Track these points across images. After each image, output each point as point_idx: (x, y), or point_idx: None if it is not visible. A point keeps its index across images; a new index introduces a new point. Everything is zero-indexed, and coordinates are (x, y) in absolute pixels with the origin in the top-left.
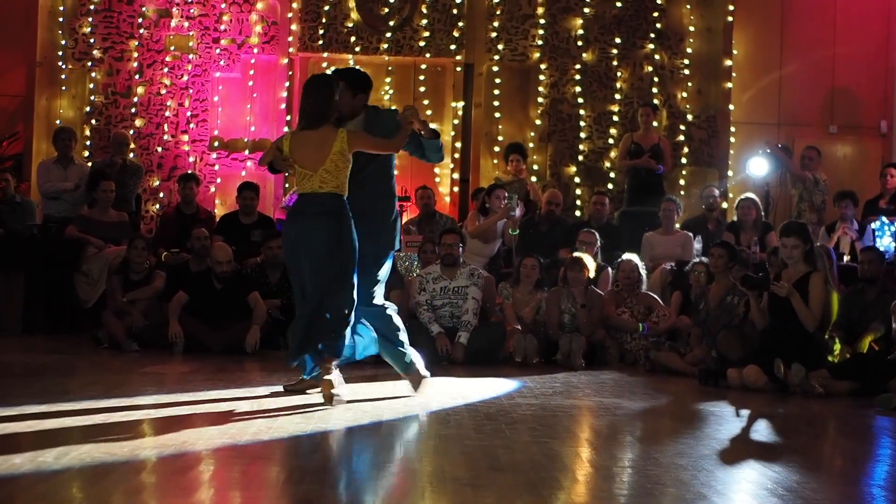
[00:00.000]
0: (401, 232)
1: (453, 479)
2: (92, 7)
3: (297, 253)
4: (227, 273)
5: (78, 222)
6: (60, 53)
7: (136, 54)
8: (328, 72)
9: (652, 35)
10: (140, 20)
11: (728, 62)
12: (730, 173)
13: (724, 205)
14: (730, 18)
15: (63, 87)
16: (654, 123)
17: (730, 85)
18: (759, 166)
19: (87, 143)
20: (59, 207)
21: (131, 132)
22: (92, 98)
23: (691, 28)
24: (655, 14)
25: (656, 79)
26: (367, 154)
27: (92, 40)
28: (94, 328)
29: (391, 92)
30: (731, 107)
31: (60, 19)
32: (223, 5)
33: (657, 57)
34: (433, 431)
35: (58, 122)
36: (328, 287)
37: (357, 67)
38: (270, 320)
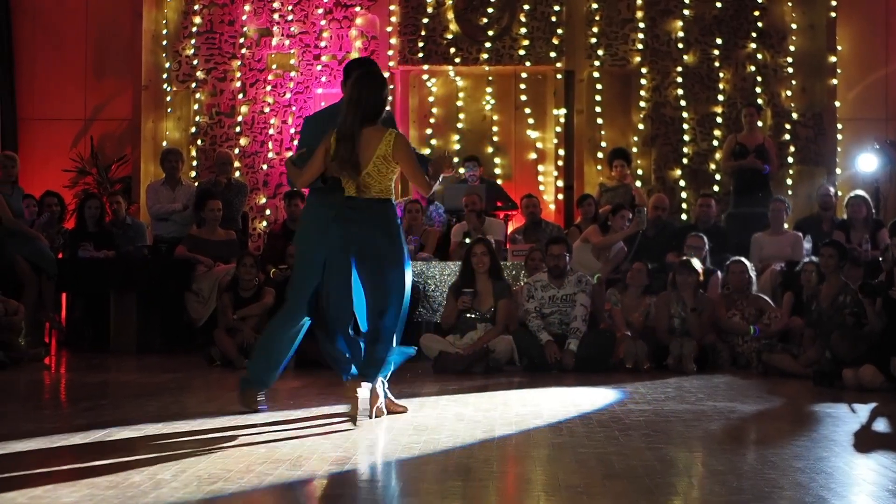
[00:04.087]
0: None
1: (568, 487)
2: (194, 29)
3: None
4: None
5: (187, 242)
6: (165, 76)
7: (238, 74)
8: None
9: (753, 34)
10: (242, 40)
11: (832, 58)
12: (838, 171)
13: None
14: (833, 14)
15: (168, 109)
16: (759, 123)
17: (835, 81)
18: (868, 163)
19: (194, 163)
20: (169, 228)
21: (236, 151)
22: (197, 119)
23: (793, 25)
24: (756, 13)
25: (759, 78)
26: None
27: (195, 62)
28: (207, 346)
29: (493, 102)
30: (837, 103)
31: (164, 42)
32: (323, 22)
33: (759, 56)
34: (546, 440)
35: (164, 143)
36: None
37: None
38: None
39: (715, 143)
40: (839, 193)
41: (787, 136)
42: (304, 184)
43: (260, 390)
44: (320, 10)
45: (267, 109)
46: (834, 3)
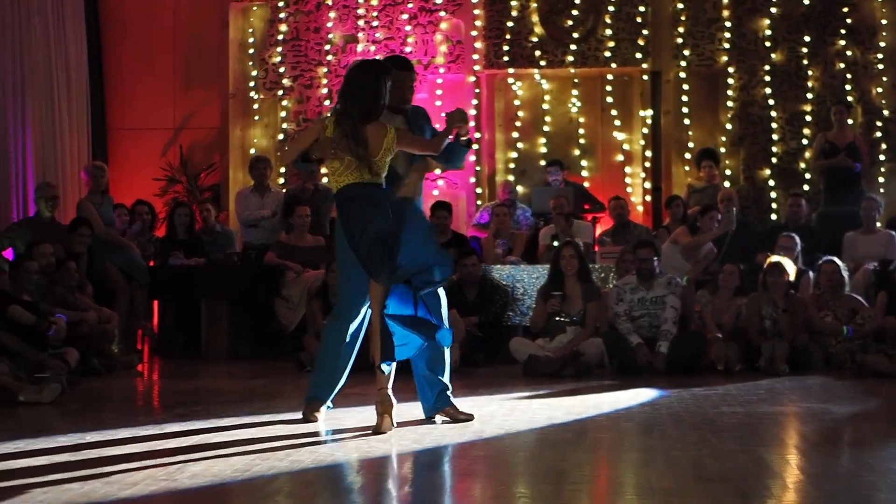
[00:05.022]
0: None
1: (661, 490)
2: (280, 37)
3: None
4: None
5: (276, 249)
6: (252, 84)
7: (325, 81)
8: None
9: (842, 31)
10: (327, 47)
11: None
12: None
13: None
14: None
15: (256, 117)
16: (849, 121)
17: None
18: None
19: (282, 170)
20: (258, 235)
21: None
22: (284, 126)
23: (883, 21)
24: (845, 9)
25: (849, 75)
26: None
27: (282, 69)
28: (297, 352)
29: (578, 104)
30: None
31: (251, 51)
32: (408, 28)
33: (849, 53)
34: (637, 443)
35: (252, 151)
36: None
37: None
38: (469, 337)
39: (804, 141)
40: None
41: (878, 134)
42: (285, 159)
43: (320, 404)
44: (405, 16)
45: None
46: None
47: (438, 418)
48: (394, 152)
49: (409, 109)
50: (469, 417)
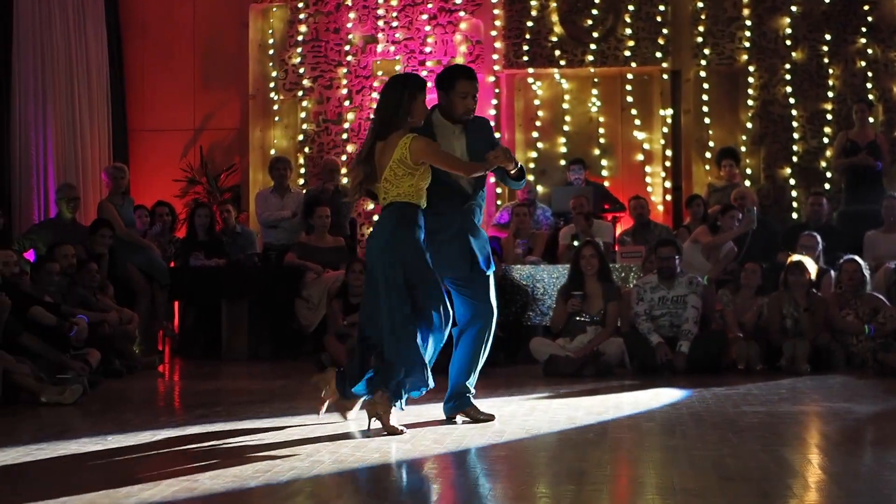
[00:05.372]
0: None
1: (683, 491)
2: (300, 38)
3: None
4: None
5: (296, 249)
6: (272, 85)
7: (344, 81)
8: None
9: (863, 29)
10: (347, 48)
11: None
12: None
13: None
14: None
15: (276, 118)
16: (870, 119)
17: None
18: None
19: (302, 171)
20: (278, 235)
21: (343, 158)
22: (304, 127)
23: None
24: (866, 7)
25: (870, 73)
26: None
27: (301, 70)
28: (317, 352)
29: (598, 104)
30: None
31: (270, 52)
32: (427, 28)
33: (870, 51)
34: (658, 443)
35: (272, 151)
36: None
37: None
38: None
39: (825, 140)
40: None
41: None
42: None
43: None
44: (425, 16)
45: (373, 116)
46: None
47: (459, 418)
48: (416, 161)
49: (468, 120)
50: (489, 418)
